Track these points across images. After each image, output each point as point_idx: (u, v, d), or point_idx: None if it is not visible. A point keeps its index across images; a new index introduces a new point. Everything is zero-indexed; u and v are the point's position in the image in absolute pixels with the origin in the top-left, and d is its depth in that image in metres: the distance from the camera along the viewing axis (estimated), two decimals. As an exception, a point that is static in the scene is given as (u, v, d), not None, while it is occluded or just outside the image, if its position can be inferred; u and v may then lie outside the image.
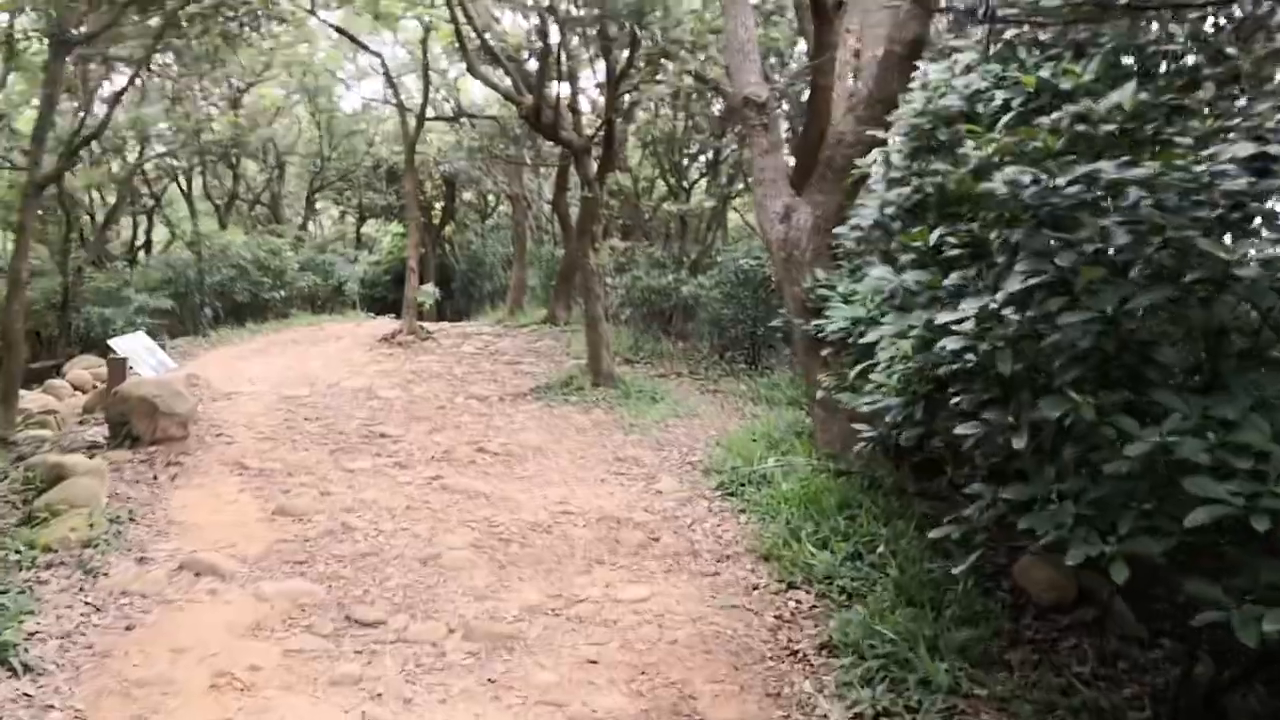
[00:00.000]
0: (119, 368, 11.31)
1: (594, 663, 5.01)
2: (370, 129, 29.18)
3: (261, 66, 23.64)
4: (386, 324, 20.51)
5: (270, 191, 28.33)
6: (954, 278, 4.63)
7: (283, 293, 23.49)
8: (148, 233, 23.99)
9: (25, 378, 16.08)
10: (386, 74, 18.85)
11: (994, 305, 3.96)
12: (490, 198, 31.34)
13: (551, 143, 19.95)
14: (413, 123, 18.53)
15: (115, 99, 10.45)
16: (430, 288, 18.76)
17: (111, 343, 11.98)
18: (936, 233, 4.87)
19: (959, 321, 4.06)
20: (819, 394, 8.15)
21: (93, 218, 19.66)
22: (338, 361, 15.44)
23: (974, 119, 5.52)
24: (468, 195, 30.65)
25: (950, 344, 4.09)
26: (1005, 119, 4.90)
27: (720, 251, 17.51)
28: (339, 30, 18.82)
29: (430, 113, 21.40)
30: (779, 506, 7.14)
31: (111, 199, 19.45)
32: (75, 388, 13.74)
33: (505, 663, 4.97)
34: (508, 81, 12.35)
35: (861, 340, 6.29)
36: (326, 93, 26.67)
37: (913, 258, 5.10)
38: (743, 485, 7.89)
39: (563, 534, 6.98)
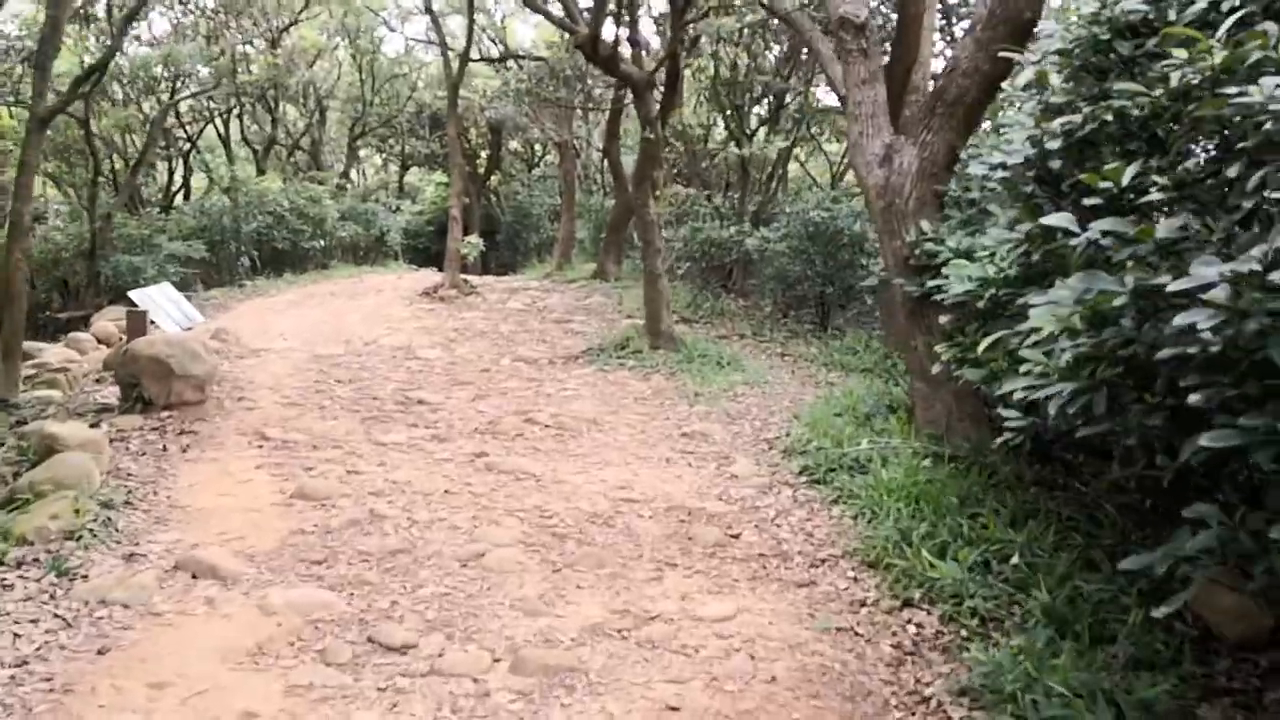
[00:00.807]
0: (138, 321, 10.44)
1: (675, 710, 3.98)
2: (413, 73, 28.11)
3: (301, 4, 22.62)
4: (429, 276, 19.57)
5: (310, 137, 27.36)
6: (1164, 228, 3.47)
7: (323, 242, 22.60)
8: (184, 178, 23.13)
9: (52, 329, 15.41)
10: (429, 9, 17.69)
11: (1257, 267, 2.82)
12: (537, 146, 30.27)
13: (608, 80, 18.87)
14: (456, 63, 17.39)
15: (125, 24, 9.35)
16: (474, 239, 17.69)
17: (132, 294, 11.11)
18: (1131, 170, 3.71)
19: (1203, 289, 2.91)
20: (926, 365, 7.03)
21: (126, 162, 18.75)
22: (376, 317, 14.49)
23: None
24: (514, 144, 29.60)
25: (1189, 319, 2.94)
26: (1228, 24, 3.71)
27: (788, 202, 16.29)
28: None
29: (475, 54, 20.30)
30: (881, 499, 6.05)
31: (143, 141, 18.49)
32: (100, 340, 12.88)
33: (564, 709, 3.95)
34: (561, 10, 11.17)
35: (1003, 306, 5.13)
36: (368, 34, 25.56)
37: (1098, 203, 3.92)
38: (832, 471, 6.79)
39: (626, 527, 5.95)
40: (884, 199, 7.25)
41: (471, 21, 18.00)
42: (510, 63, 21.19)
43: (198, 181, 24.68)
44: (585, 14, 10.75)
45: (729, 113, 17.28)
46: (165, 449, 7.15)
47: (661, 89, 10.87)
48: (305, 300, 16.92)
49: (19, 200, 8.06)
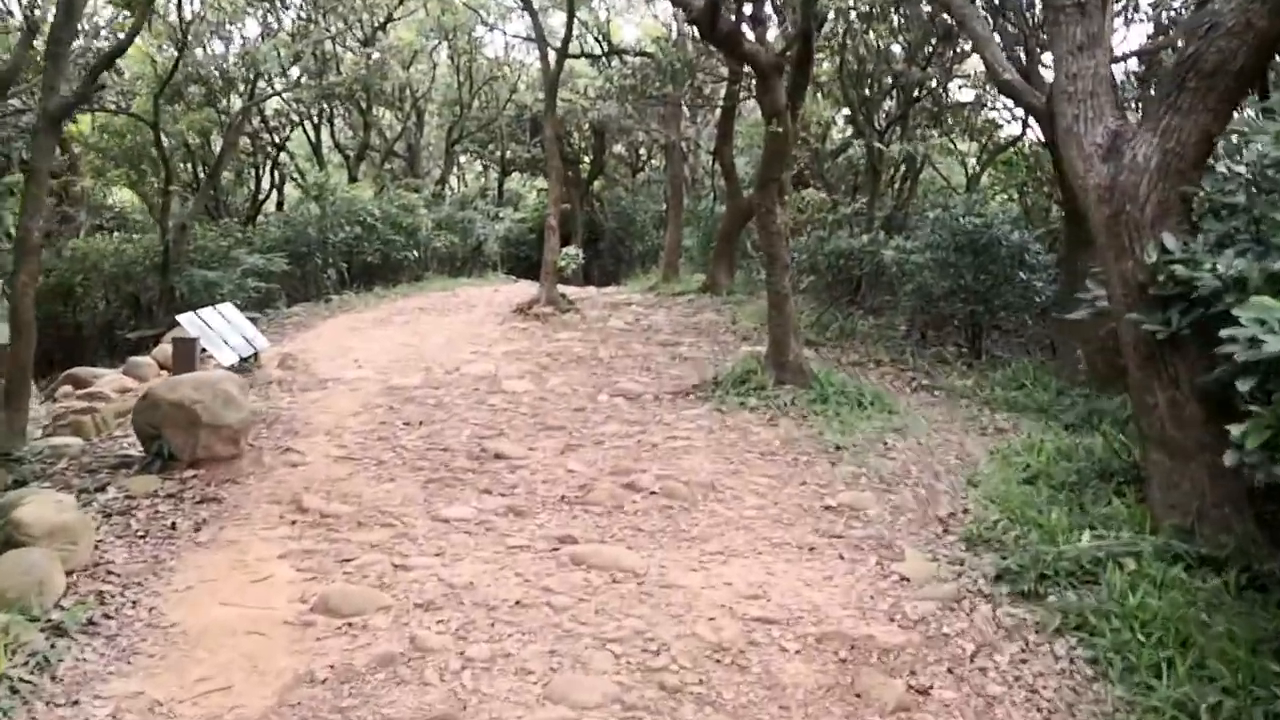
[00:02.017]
0: (186, 351, 9.13)
1: None
2: (513, 74, 26.80)
3: (395, 1, 21.48)
4: (525, 289, 18.10)
5: (406, 142, 26.26)
6: None
7: (416, 253, 21.37)
8: (273, 186, 22.16)
9: (125, 349, 14.39)
10: (527, 3, 16.19)
11: None
12: (642, 149, 28.71)
13: (718, 75, 17.15)
14: (554, 59, 15.87)
15: (147, 5, 7.97)
16: (573, 250, 16.16)
17: (180, 318, 9.79)
18: None
19: None
20: (1170, 430, 5.17)
21: (206, 169, 17.76)
22: (463, 338, 13.03)
23: None
24: (618, 147, 28.09)
25: None
26: None
27: (927, 207, 14.32)
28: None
29: (575, 51, 18.82)
30: (1132, 637, 4.21)
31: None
32: (161, 366, 11.68)
33: None
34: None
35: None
36: (466, 32, 24.30)
37: None
38: (1045, 578, 4.93)
39: (765, 672, 4.20)
40: (1109, 204, 5.36)
41: (571, 17, 16.49)
42: (614, 61, 19.58)
43: (292, 191, 23.80)
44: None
45: (858, 106, 15.35)
46: (174, 526, 5.67)
47: (792, 72, 9.05)
48: (392, 317, 15.61)
49: (27, 214, 6.72)
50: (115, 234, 15.52)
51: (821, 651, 4.38)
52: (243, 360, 10.30)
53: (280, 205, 22.76)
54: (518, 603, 4.76)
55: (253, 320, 12.18)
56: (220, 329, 10.07)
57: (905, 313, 12.98)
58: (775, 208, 9.16)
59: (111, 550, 5.21)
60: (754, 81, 10.73)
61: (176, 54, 12.53)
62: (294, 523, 5.84)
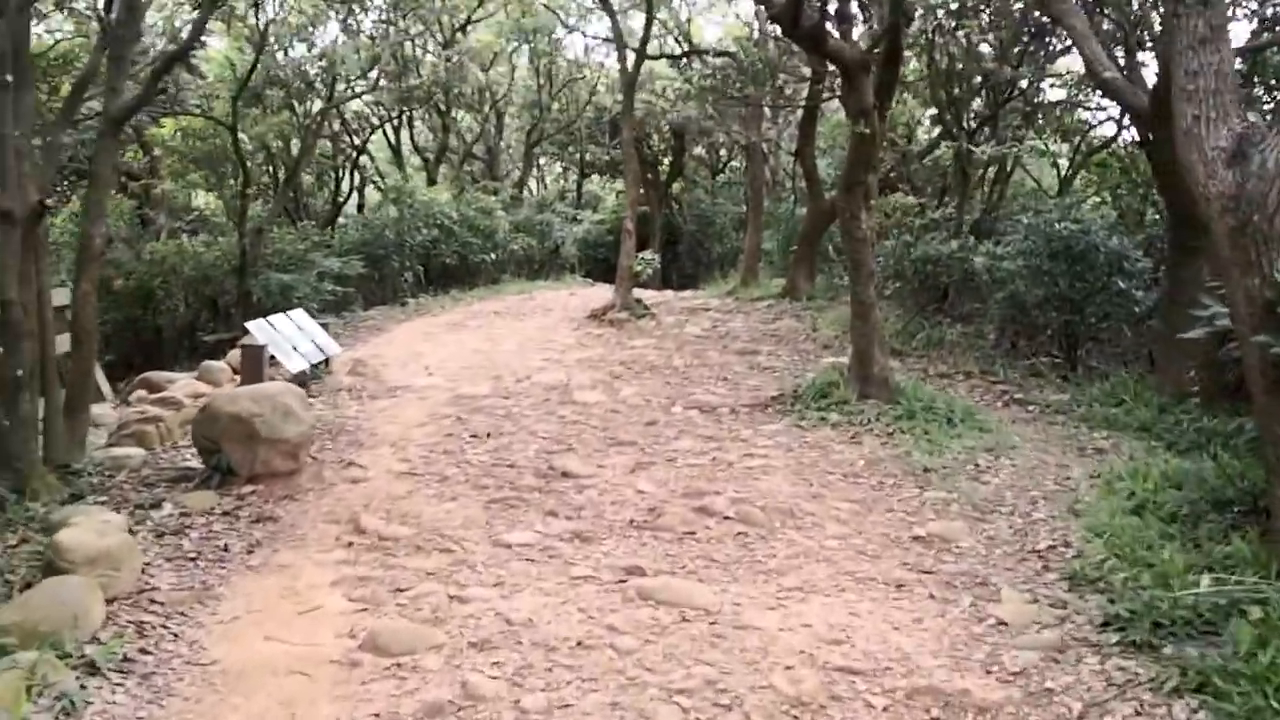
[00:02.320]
0: (254, 358, 9.02)
1: None
2: (593, 76, 26.60)
3: (475, 3, 21.41)
4: (602, 293, 17.84)
5: (485, 144, 26.21)
6: None
7: (494, 255, 21.27)
8: (352, 189, 22.25)
9: (203, 352, 14.43)
10: (606, 4, 15.91)
11: None
12: (722, 151, 28.28)
13: (801, 74, 16.67)
14: (631, 59, 15.57)
15: (211, 3, 7.81)
16: (649, 254, 15.84)
17: (250, 325, 9.68)
18: None
19: None
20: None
21: (286, 170, 17.82)
22: (536, 344, 12.81)
23: None
24: (697, 149, 27.70)
25: None
26: None
27: (1020, 211, 13.65)
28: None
29: (654, 52, 18.52)
30: (1260, 704, 3.71)
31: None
32: (235, 370, 11.63)
33: None
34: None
35: None
36: (546, 34, 24.14)
37: None
38: (1160, 627, 4.44)
39: (848, 732, 3.81)
40: (1234, 215, 4.82)
41: (650, 17, 16.18)
42: (694, 61, 19.22)
43: (373, 194, 23.90)
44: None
45: (946, 106, 14.74)
46: (226, 548, 5.46)
47: (879, 70, 8.58)
48: (467, 321, 15.48)
49: (89, 220, 6.59)
50: (195, 237, 15.60)
51: (911, 708, 3.96)
52: (313, 367, 10.18)
53: (361, 208, 22.86)
54: (579, 643, 4.41)
55: (325, 325, 12.08)
56: (291, 335, 9.95)
57: (994, 321, 12.37)
58: (860, 213, 8.69)
59: (159, 575, 5.00)
60: (838, 81, 10.29)
61: (254, 57, 12.49)
62: (350, 545, 5.59)
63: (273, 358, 9.39)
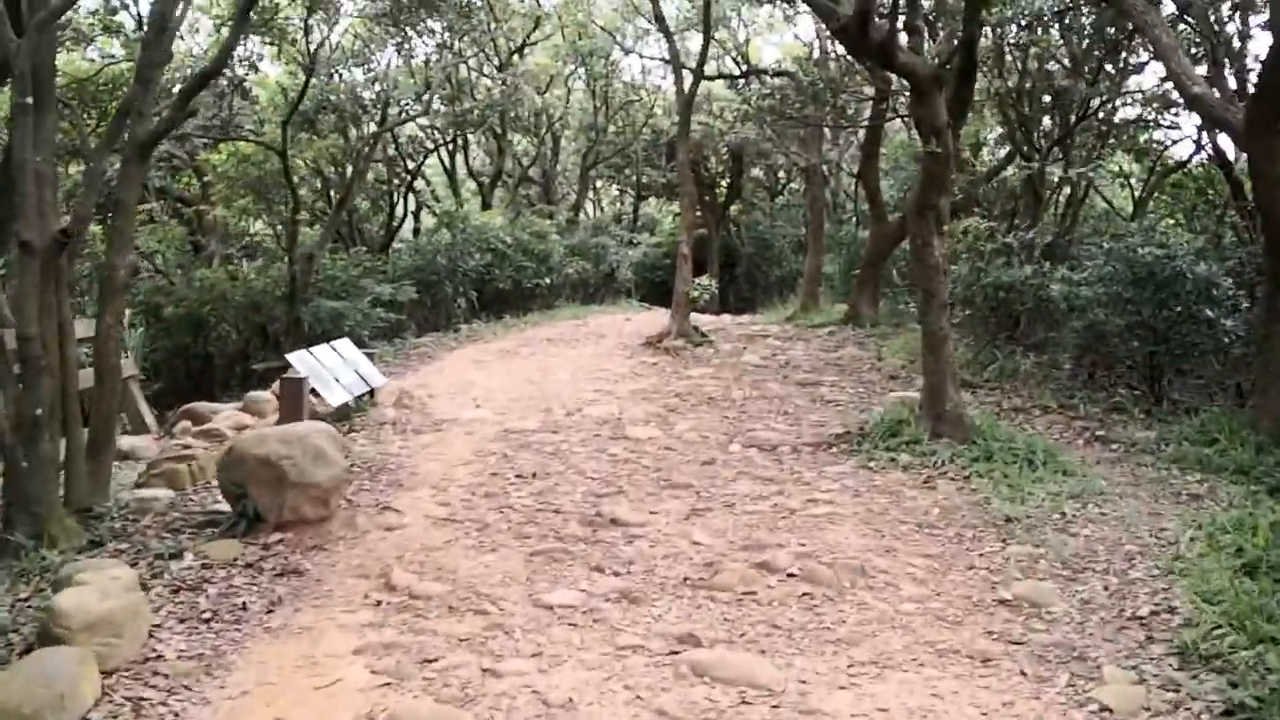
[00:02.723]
0: (294, 392, 8.68)
1: None
2: (649, 98, 26.27)
3: (531, 25, 21.17)
4: (657, 318, 17.38)
5: (541, 168, 25.96)
6: None
7: (549, 280, 20.91)
8: (408, 213, 22.06)
9: (254, 380, 14.21)
10: (659, 17, 15.51)
11: None
12: (781, 173, 27.77)
13: (863, 93, 16.14)
14: (688, 80, 15.15)
15: (244, 12, 7.49)
16: (706, 280, 15.36)
17: (290, 357, 9.34)
18: None
19: None
20: None
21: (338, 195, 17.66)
22: (588, 373, 12.36)
23: None
24: (756, 171, 27.23)
25: None
26: None
27: (1095, 234, 12.95)
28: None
29: (711, 71, 18.08)
30: None
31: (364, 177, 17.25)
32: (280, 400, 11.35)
33: None
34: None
35: None
36: (602, 56, 23.86)
37: None
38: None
39: None
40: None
41: (708, 37, 15.75)
42: (753, 82, 18.76)
43: (428, 218, 23.74)
44: None
45: (1017, 125, 14.08)
46: (245, 607, 5.04)
47: (954, 84, 8.01)
48: (519, 349, 15.10)
49: (114, 250, 6.26)
50: (245, 263, 15.44)
51: (1009, 825, 3.39)
52: (357, 399, 9.83)
53: (416, 233, 22.68)
54: (623, 734, 3.91)
55: (373, 354, 11.75)
56: (333, 366, 9.61)
57: (1070, 351, 11.66)
58: (932, 239, 8.12)
59: (168, 640, 4.58)
60: (901, 99, 9.74)
61: (304, 80, 12.28)
62: (379, 604, 5.14)
63: (314, 390, 9.04)
